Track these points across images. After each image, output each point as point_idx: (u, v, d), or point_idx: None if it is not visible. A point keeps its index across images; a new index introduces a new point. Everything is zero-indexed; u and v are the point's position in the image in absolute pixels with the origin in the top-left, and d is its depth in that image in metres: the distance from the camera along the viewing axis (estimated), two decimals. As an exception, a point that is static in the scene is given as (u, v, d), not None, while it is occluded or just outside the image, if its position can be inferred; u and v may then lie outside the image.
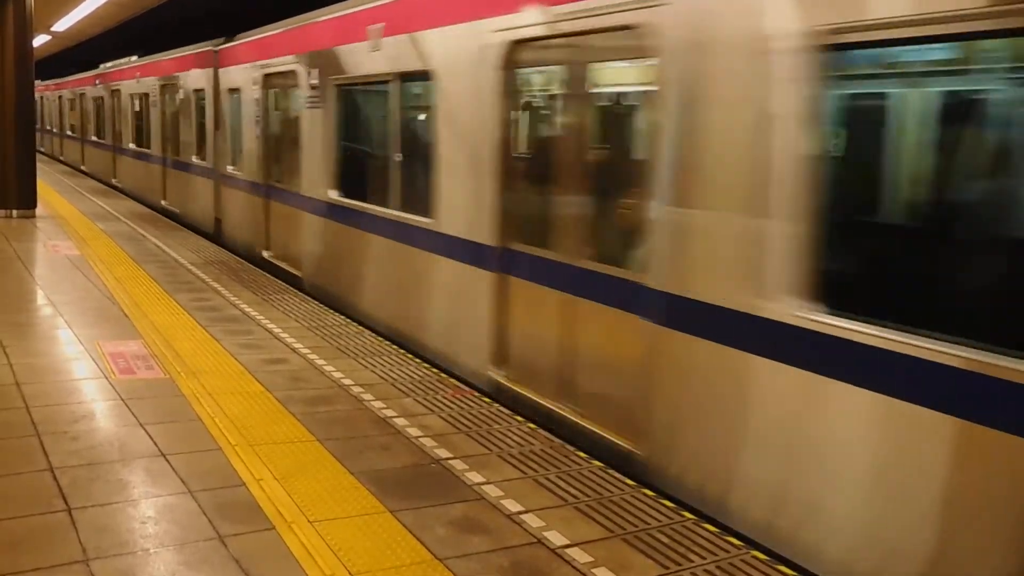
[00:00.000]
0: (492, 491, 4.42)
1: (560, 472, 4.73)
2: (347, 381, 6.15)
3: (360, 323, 8.00)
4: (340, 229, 8.91)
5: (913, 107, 4.26)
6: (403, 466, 4.70)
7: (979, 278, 3.76)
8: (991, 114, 3.94)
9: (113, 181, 21.35)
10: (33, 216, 14.28)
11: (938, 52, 3.96)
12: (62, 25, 23.29)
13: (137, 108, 18.81)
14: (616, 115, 5.72)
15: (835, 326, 3.73)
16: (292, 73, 9.95)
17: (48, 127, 33.30)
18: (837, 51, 3.75)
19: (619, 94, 5.72)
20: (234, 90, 12.37)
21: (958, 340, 3.33)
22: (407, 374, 6.41)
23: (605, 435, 5.17)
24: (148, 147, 17.81)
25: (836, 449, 3.76)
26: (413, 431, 5.22)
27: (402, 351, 7.07)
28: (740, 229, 4.18)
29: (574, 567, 3.71)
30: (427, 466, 4.71)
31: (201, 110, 14.17)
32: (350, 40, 8.42)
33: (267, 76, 10.96)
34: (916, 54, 4.07)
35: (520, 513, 4.18)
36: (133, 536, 3.75)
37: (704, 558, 3.86)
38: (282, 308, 8.39)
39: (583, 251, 5.41)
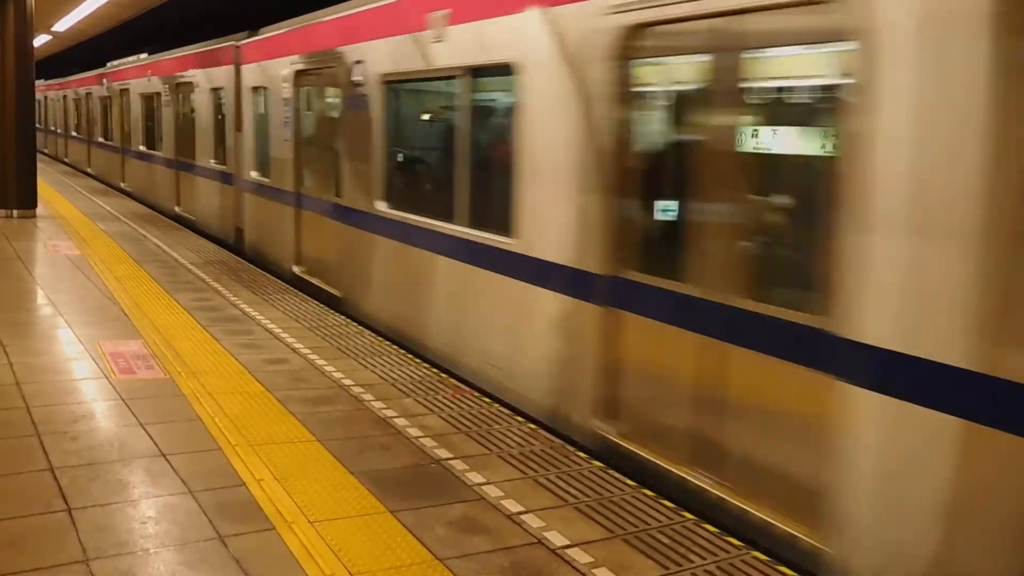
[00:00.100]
0: (492, 491, 4.42)
1: (560, 472, 4.73)
2: (347, 381, 6.15)
3: (430, 362, 6.93)
4: (394, 248, 7.86)
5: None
6: (403, 466, 4.70)
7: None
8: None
9: (122, 185, 20.32)
10: (33, 216, 14.27)
11: None
12: (63, 25, 23.31)
13: (148, 108, 17.97)
14: (784, 114, 4.68)
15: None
16: (330, 69, 8.98)
17: (53, 128, 32.58)
18: None
19: (780, 88, 4.65)
20: (258, 88, 11.46)
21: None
22: (407, 374, 6.41)
23: (773, 522, 4.14)
24: (160, 149, 16.80)
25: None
26: (413, 431, 5.22)
27: (402, 351, 7.07)
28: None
29: (574, 567, 3.70)
30: (427, 466, 4.71)
31: (220, 110, 13.18)
32: (405, 30, 7.50)
33: (299, 73, 9.89)
34: None
35: (520, 513, 4.18)
36: (133, 536, 3.75)
37: (704, 558, 3.86)
38: (282, 308, 8.39)
39: (735, 287, 4.37)
